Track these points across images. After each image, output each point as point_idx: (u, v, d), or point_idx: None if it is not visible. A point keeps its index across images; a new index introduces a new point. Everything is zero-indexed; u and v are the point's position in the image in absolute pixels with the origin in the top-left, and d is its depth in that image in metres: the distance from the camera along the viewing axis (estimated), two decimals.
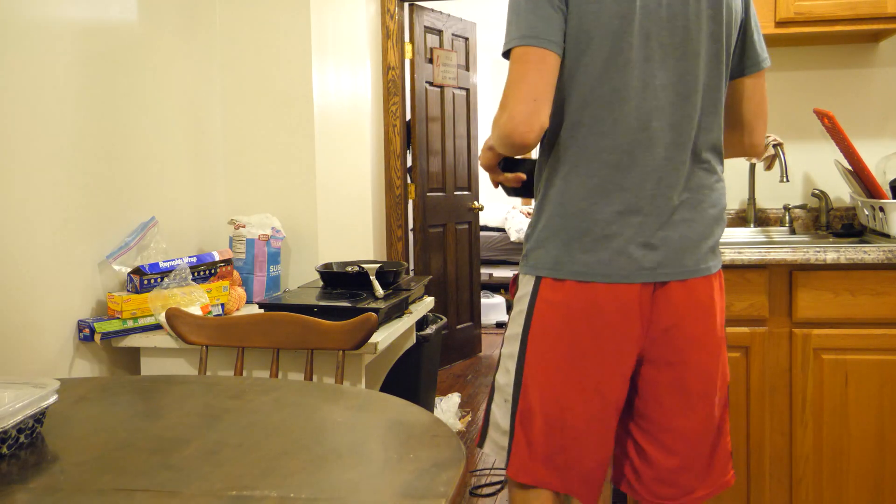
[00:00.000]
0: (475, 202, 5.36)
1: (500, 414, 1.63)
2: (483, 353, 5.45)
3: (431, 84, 4.94)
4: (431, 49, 4.91)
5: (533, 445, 1.58)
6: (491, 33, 7.34)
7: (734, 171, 2.85)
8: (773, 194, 2.85)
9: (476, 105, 5.46)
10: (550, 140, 1.56)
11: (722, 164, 1.61)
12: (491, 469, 3.37)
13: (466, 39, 5.29)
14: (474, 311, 5.35)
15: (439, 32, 4.99)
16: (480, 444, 1.69)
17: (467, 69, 5.33)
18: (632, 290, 1.50)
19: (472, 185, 5.36)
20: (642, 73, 1.49)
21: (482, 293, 6.30)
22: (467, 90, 5.35)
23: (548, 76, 1.46)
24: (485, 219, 6.93)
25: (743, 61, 1.62)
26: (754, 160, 2.70)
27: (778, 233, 2.77)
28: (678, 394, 1.58)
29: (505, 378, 1.63)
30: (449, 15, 5.08)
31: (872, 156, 2.68)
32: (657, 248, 1.51)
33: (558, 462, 1.58)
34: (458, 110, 5.25)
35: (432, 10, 4.90)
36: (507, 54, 1.50)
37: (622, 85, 1.49)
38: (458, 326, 5.18)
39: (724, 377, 1.63)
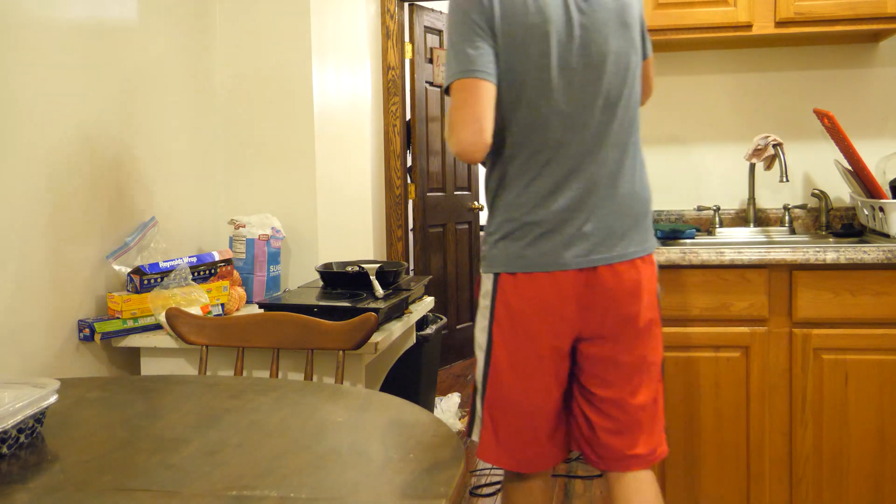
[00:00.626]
0: (475, 202, 5.36)
1: (479, 403, 1.83)
2: None
3: (431, 84, 4.94)
4: (431, 49, 4.91)
5: (498, 429, 1.80)
6: None
7: (734, 170, 2.85)
8: (773, 194, 2.85)
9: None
10: (495, 157, 1.78)
11: (643, 163, 1.82)
12: (491, 469, 3.37)
13: None
14: (474, 311, 5.34)
15: (439, 32, 4.99)
16: (469, 433, 1.88)
17: None
18: (568, 276, 1.70)
19: (472, 185, 5.36)
20: (565, 98, 1.71)
21: None
22: None
23: (487, 101, 1.66)
24: (485, 218, 6.92)
25: None
26: (754, 160, 2.70)
27: (778, 233, 2.77)
28: (612, 368, 1.76)
29: (478, 370, 1.83)
30: None
31: (872, 156, 2.68)
32: (588, 239, 1.71)
33: (516, 443, 1.79)
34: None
35: (432, 10, 4.90)
36: (447, 89, 1.70)
37: (550, 109, 1.71)
38: (458, 326, 5.18)
39: (657, 353, 1.80)
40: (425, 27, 4.84)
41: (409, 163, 4.82)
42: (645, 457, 1.79)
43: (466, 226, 5.30)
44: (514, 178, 1.74)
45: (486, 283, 1.78)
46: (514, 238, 1.73)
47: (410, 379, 3.22)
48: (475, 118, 1.65)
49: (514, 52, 1.68)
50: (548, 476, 1.90)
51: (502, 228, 1.75)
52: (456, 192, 5.20)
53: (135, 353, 2.31)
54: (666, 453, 1.85)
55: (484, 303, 1.79)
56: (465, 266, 5.27)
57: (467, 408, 4.10)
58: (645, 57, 1.86)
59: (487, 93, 1.66)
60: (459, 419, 3.88)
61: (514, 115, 1.72)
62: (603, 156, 1.73)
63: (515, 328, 1.73)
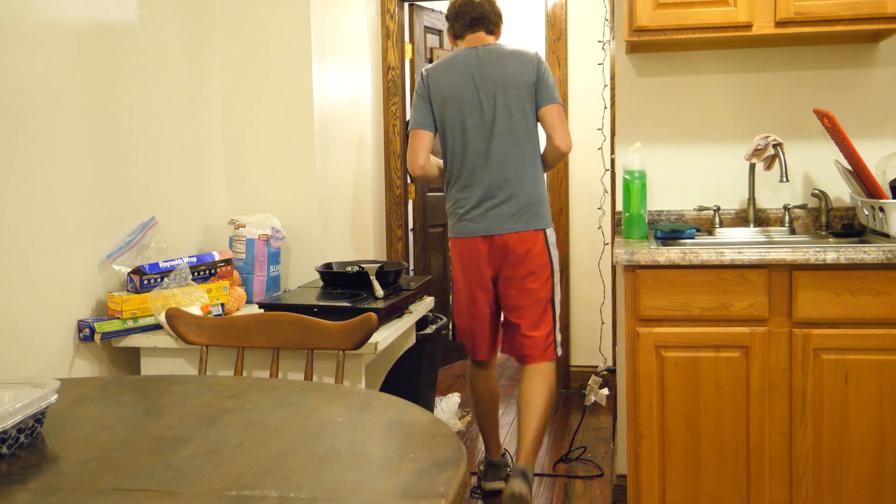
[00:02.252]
0: None
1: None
2: None
3: None
4: (431, 49, 4.91)
5: (457, 326, 3.05)
6: None
7: (734, 170, 2.85)
8: (773, 194, 2.85)
9: None
10: (444, 167, 2.97)
11: (527, 175, 2.86)
12: None
13: None
14: None
15: (439, 32, 4.99)
16: (452, 337, 3.16)
17: None
18: (476, 240, 2.86)
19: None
20: (472, 135, 2.86)
21: None
22: None
23: (423, 142, 2.90)
24: None
25: (537, 101, 2.85)
26: (754, 160, 2.70)
27: (778, 233, 2.77)
28: (515, 294, 2.90)
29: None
30: None
31: (872, 156, 2.68)
32: (489, 219, 2.85)
33: (467, 334, 3.02)
34: None
35: (432, 10, 4.90)
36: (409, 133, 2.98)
37: (463, 141, 2.87)
38: None
39: (546, 292, 2.90)
40: (425, 27, 4.84)
41: None
42: (535, 357, 2.91)
43: (441, 228, 5.24)
44: (452, 184, 2.94)
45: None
46: (453, 218, 2.94)
47: (410, 379, 3.22)
48: (413, 151, 2.91)
49: (440, 112, 2.90)
50: (492, 364, 3.07)
51: (448, 212, 2.97)
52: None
53: (135, 353, 2.31)
54: (552, 357, 2.95)
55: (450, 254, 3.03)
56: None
57: (468, 408, 4.10)
58: (541, 105, 2.85)
59: (423, 136, 2.90)
60: (459, 419, 3.87)
61: (445, 145, 2.93)
62: (496, 172, 2.85)
63: (458, 268, 2.95)
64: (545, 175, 3.05)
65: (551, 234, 2.90)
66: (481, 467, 3.13)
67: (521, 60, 2.84)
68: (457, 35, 2.96)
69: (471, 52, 2.88)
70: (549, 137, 2.85)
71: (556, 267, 2.91)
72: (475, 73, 2.83)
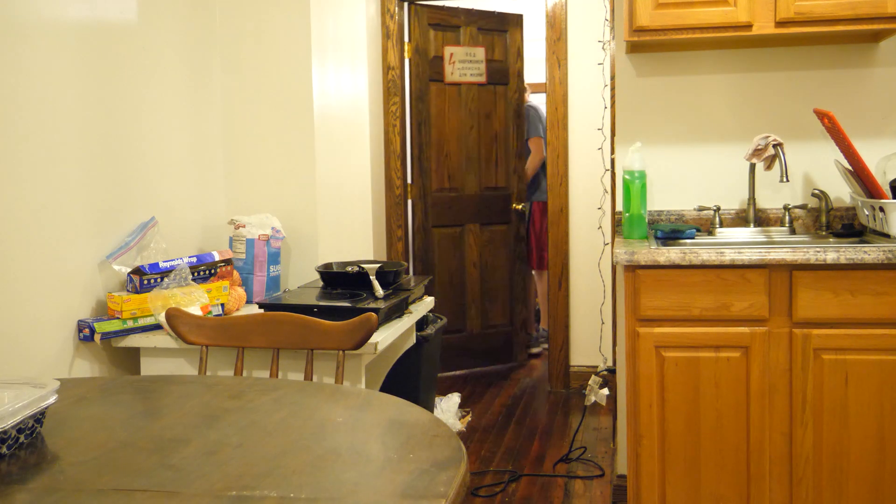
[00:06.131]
0: (517, 203, 5.32)
1: None
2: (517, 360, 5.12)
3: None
4: (444, 46, 4.90)
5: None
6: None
7: (734, 170, 2.85)
8: (774, 194, 2.85)
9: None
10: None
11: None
12: (491, 470, 3.37)
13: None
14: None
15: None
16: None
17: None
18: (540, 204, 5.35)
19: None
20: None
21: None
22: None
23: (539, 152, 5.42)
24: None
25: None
26: (754, 160, 2.70)
27: (778, 233, 2.77)
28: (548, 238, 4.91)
29: None
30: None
31: (872, 156, 2.68)
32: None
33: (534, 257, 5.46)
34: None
35: (432, 10, 4.89)
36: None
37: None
38: (477, 330, 5.03)
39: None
40: (426, 26, 4.83)
41: (410, 163, 4.82)
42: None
43: (504, 226, 5.09)
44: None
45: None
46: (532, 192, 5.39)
47: (410, 379, 3.22)
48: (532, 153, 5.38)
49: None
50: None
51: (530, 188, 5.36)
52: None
53: (135, 353, 2.31)
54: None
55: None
56: (495, 268, 5.04)
57: (468, 408, 4.10)
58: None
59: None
60: (459, 419, 3.87)
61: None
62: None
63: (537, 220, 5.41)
64: None
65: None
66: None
67: None
68: None
69: None
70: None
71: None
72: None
